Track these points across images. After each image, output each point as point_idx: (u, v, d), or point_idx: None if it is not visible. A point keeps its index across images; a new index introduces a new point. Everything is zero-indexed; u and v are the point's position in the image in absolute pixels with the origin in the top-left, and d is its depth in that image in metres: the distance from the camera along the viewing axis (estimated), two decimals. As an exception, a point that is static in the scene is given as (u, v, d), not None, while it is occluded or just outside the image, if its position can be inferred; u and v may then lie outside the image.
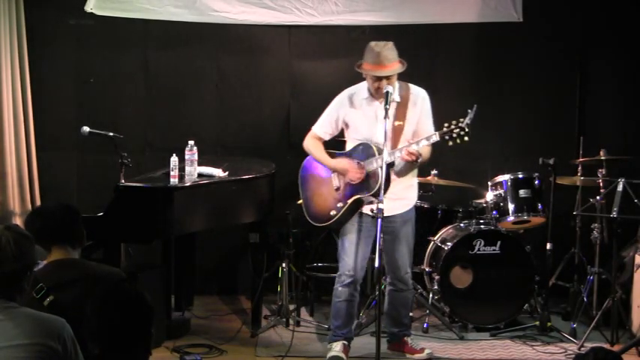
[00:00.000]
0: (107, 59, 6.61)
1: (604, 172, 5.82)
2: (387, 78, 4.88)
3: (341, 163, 5.05)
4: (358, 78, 5.11)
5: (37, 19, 6.42)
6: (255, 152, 6.32)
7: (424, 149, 4.90)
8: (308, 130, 5.21)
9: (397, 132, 4.95)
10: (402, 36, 6.55)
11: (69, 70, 6.61)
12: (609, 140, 6.34)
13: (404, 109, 4.96)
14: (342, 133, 5.20)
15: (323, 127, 5.15)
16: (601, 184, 5.81)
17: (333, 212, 5.06)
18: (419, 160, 4.88)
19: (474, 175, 6.30)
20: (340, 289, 5.07)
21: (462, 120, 4.75)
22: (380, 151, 4.85)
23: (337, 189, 5.08)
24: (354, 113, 5.06)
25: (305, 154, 5.24)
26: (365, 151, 4.98)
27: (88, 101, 6.62)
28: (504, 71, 6.74)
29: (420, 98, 5.04)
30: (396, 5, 6.53)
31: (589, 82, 6.72)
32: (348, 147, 5.13)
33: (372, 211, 4.65)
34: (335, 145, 5.25)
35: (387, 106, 4.77)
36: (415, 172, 5.14)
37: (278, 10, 6.52)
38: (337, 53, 6.64)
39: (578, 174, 5.98)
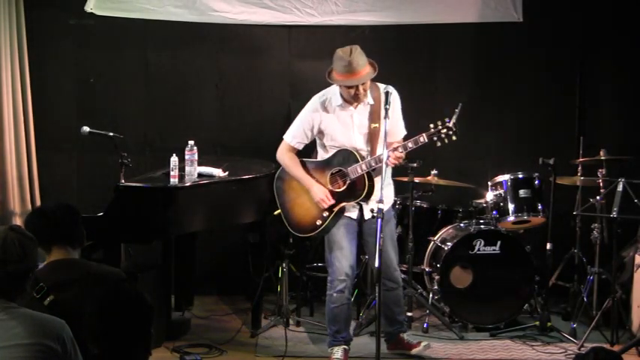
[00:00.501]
0: (107, 59, 6.62)
1: (604, 172, 5.81)
2: (362, 83, 4.84)
3: (317, 192, 4.96)
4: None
5: (37, 19, 6.42)
6: (255, 152, 6.31)
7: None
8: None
9: (375, 134, 4.91)
10: (402, 36, 6.58)
11: (69, 70, 6.61)
12: (609, 140, 6.34)
13: (378, 110, 4.92)
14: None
15: (296, 138, 5.08)
16: (601, 184, 5.81)
17: (319, 222, 5.01)
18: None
19: (474, 175, 6.30)
20: (335, 295, 5.01)
21: (447, 120, 4.76)
22: (362, 158, 4.88)
23: None
24: (328, 120, 4.99)
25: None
26: (346, 158, 4.94)
27: (88, 101, 6.62)
28: (504, 71, 6.73)
29: (390, 97, 4.94)
30: (396, 5, 6.53)
31: (589, 82, 6.72)
32: (322, 154, 5.08)
33: (372, 211, 4.63)
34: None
35: (387, 106, 4.73)
36: (390, 170, 5.09)
37: (278, 10, 6.52)
38: (337, 53, 6.63)
39: (578, 174, 5.97)
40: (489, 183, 6.03)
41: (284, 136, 5.15)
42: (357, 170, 4.89)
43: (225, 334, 5.61)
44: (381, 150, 4.80)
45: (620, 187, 5.52)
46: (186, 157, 5.25)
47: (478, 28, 6.62)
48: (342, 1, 6.52)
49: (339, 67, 4.88)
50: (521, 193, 5.91)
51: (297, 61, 6.70)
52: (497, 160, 6.54)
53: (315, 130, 5.05)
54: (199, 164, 5.32)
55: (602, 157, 5.84)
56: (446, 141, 4.78)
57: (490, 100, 6.65)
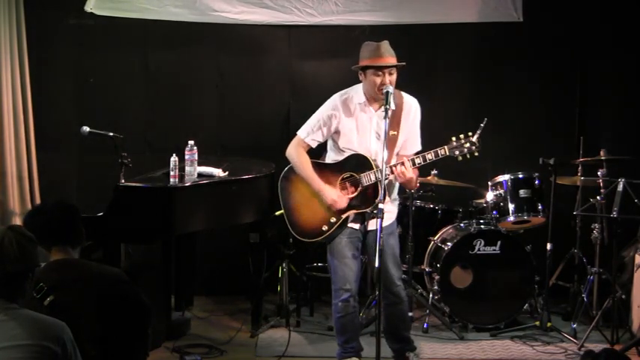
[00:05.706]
0: (107, 59, 6.61)
1: (604, 172, 5.82)
2: (390, 73, 4.59)
3: (329, 192, 4.70)
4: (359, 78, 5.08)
5: (37, 19, 6.42)
6: (255, 152, 6.31)
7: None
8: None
9: (392, 142, 4.64)
10: (402, 36, 6.57)
11: (69, 70, 6.61)
12: (609, 140, 6.34)
13: (398, 118, 4.68)
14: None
15: (312, 135, 4.78)
16: (601, 184, 5.81)
17: (325, 227, 4.76)
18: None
19: (474, 175, 6.29)
20: (340, 304, 4.81)
21: (470, 134, 4.53)
22: (376, 165, 4.60)
23: None
24: (347, 120, 4.71)
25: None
26: (360, 164, 4.70)
27: (88, 101, 6.62)
28: (504, 71, 6.73)
29: (413, 108, 4.76)
30: (396, 5, 6.54)
31: (589, 82, 6.72)
32: (333, 156, 4.83)
33: (371, 210, 4.59)
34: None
35: (388, 106, 4.46)
36: (397, 185, 4.86)
37: (278, 10, 6.53)
38: (337, 53, 6.64)
39: (578, 174, 5.98)
40: (489, 183, 6.04)
41: (298, 132, 4.85)
42: (370, 178, 4.65)
43: (225, 334, 5.61)
44: (395, 159, 4.63)
45: (620, 187, 5.51)
46: (186, 157, 5.25)
47: (478, 28, 6.62)
48: (342, 1, 6.53)
49: (366, 52, 4.65)
50: (521, 193, 5.92)
51: (297, 61, 6.71)
52: (497, 160, 6.54)
53: (333, 129, 4.75)
54: (199, 164, 5.32)
55: (602, 157, 5.84)
56: (468, 156, 4.52)
57: (490, 100, 6.65)
